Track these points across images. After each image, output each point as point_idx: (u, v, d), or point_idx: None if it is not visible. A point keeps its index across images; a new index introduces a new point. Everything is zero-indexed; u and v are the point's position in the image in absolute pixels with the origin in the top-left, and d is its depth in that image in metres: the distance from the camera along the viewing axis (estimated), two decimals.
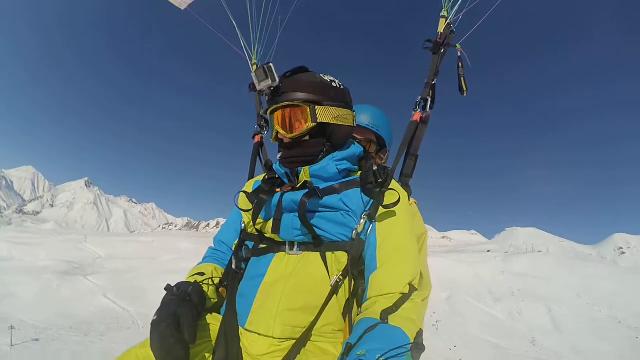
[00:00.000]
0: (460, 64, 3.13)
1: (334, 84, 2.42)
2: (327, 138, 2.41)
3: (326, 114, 2.32)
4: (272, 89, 2.33)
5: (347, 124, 2.44)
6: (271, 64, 2.28)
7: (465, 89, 3.11)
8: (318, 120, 2.29)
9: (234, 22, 3.72)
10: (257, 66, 2.39)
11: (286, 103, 2.31)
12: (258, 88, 2.36)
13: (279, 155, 2.50)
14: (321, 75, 2.43)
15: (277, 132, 2.40)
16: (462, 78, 3.11)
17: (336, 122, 2.37)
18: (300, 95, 2.30)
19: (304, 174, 2.37)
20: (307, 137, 2.37)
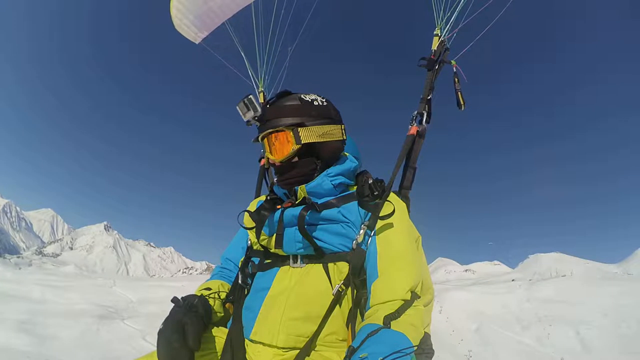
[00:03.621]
0: (456, 79, 3.20)
1: (315, 103, 2.51)
2: (317, 156, 2.50)
3: (310, 134, 2.41)
4: (256, 118, 2.44)
5: (335, 139, 2.53)
6: (251, 96, 2.41)
7: (462, 103, 3.17)
8: (302, 142, 2.39)
9: (243, 54, 3.86)
10: (243, 100, 2.44)
11: (270, 130, 2.42)
12: (244, 119, 2.46)
13: (275, 179, 2.61)
14: (302, 95, 2.52)
15: (268, 158, 2.52)
16: (459, 93, 3.18)
17: (322, 140, 2.45)
18: (283, 120, 2.40)
19: (301, 191, 2.45)
20: (296, 159, 2.46)
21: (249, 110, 2.41)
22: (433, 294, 2.73)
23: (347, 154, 2.68)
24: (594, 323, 22.95)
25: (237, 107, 2.44)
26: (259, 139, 2.53)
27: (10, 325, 11.23)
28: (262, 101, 3.89)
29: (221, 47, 4.14)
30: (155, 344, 2.02)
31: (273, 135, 2.44)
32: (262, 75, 3.86)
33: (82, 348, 11.52)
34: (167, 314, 2.16)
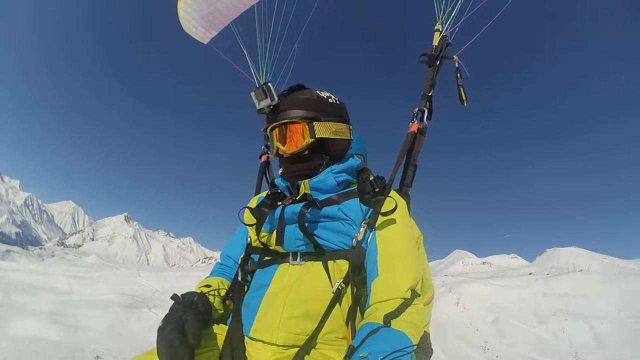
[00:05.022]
0: (458, 75, 3.17)
1: (330, 100, 2.52)
2: (326, 152, 2.51)
3: (324, 130, 2.42)
4: (271, 107, 2.46)
5: (344, 138, 2.55)
6: (269, 84, 2.43)
7: (465, 98, 3.15)
8: (317, 136, 2.40)
9: (246, 52, 3.87)
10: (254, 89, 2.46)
11: (285, 120, 2.41)
12: (258, 107, 2.48)
13: (280, 171, 2.59)
14: (317, 91, 2.53)
15: (278, 148, 2.50)
16: (462, 88, 3.15)
17: (334, 137, 2.47)
18: (299, 112, 2.41)
19: (304, 186, 2.45)
20: (306, 152, 2.46)
21: (266, 97, 2.45)
22: (433, 292, 2.70)
23: (351, 153, 2.72)
24: (609, 318, 23.10)
25: (253, 93, 2.47)
26: (269, 128, 2.54)
27: (39, 316, 11.64)
28: None
29: (226, 46, 4.18)
30: (156, 341, 2.01)
31: (287, 126, 2.44)
32: (264, 74, 3.85)
33: (113, 337, 11.98)
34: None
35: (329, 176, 2.46)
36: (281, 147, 2.48)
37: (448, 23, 3.19)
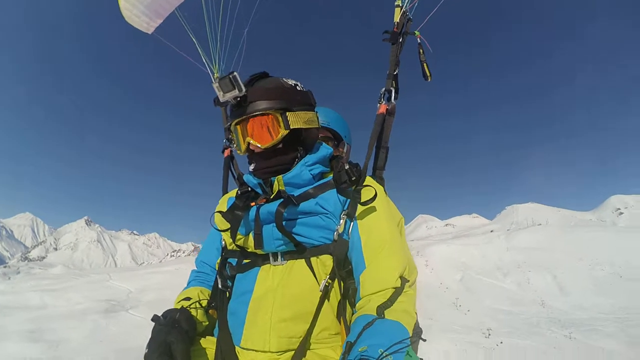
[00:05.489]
0: (421, 51, 3.06)
1: (297, 88, 2.40)
2: (301, 143, 2.39)
3: (297, 120, 2.29)
4: (238, 99, 2.25)
5: (315, 127, 2.44)
6: (235, 73, 2.20)
7: (428, 74, 3.04)
8: (291, 127, 2.26)
9: (194, 40, 3.65)
10: (218, 78, 2.23)
11: (257, 113, 2.24)
12: (222, 99, 2.27)
13: (251, 167, 2.43)
14: (284, 79, 2.39)
15: (249, 143, 2.32)
16: (425, 64, 3.05)
17: (307, 126, 2.35)
18: (270, 103, 2.25)
19: (278, 183, 2.33)
20: (280, 145, 2.32)
21: (233, 89, 2.21)
22: (416, 273, 2.57)
23: (321, 141, 2.60)
24: (569, 267, 24.61)
25: (218, 84, 2.23)
26: (235, 123, 2.35)
27: (18, 337, 11.48)
28: None
29: (172, 34, 3.94)
30: None
31: (258, 118, 2.27)
32: (217, 61, 3.59)
33: (95, 345, 11.95)
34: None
35: (304, 169, 2.34)
36: (253, 141, 2.29)
37: None
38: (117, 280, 23.19)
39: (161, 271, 26.23)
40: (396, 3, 3.08)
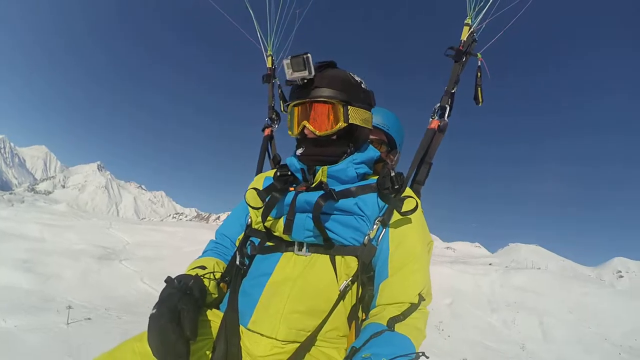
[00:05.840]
0: (479, 74, 2.98)
1: (362, 85, 2.38)
2: (353, 140, 2.36)
3: (356, 116, 2.27)
4: (305, 81, 2.22)
5: (369, 127, 2.42)
6: (309, 55, 2.16)
7: (481, 99, 2.97)
8: (350, 121, 2.24)
9: (252, 12, 3.58)
10: (290, 56, 2.18)
11: (322, 99, 2.22)
12: (289, 77, 2.22)
13: (299, 151, 2.38)
14: (351, 74, 2.36)
15: (304, 127, 2.28)
16: (479, 88, 2.97)
17: (362, 125, 2.33)
18: (335, 92, 2.23)
19: (322, 173, 2.30)
20: (334, 136, 2.29)
21: (304, 69, 2.17)
22: (431, 299, 2.43)
23: (369, 143, 2.57)
24: (558, 317, 24.59)
25: (289, 62, 2.19)
26: (293, 104, 2.33)
27: (12, 264, 12.01)
28: (270, 66, 3.69)
29: (228, 3, 3.83)
30: (147, 329, 1.80)
31: (320, 105, 2.24)
32: (272, 39, 3.58)
33: (84, 287, 12.46)
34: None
35: (350, 166, 2.31)
36: (310, 126, 2.26)
37: (478, 18, 2.98)
38: (117, 230, 23.77)
39: (161, 230, 26.77)
40: (466, 21, 3.00)
